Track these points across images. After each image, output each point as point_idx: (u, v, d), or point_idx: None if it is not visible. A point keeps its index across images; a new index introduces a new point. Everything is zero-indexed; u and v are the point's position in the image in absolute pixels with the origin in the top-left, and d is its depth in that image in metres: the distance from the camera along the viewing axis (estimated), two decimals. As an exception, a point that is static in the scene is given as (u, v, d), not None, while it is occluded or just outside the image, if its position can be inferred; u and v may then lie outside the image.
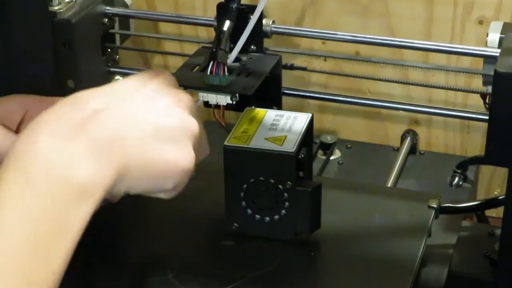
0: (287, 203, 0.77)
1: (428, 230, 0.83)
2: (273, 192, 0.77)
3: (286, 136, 0.77)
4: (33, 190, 0.57)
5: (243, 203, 0.78)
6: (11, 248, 0.55)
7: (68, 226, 0.58)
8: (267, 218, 0.78)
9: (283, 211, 0.78)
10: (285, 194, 0.77)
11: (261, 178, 0.77)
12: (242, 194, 0.78)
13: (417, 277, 0.81)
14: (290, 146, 0.76)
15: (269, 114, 0.81)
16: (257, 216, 0.79)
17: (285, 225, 0.78)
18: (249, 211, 0.78)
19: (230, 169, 0.78)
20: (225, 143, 0.77)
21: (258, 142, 0.77)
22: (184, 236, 0.82)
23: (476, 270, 0.97)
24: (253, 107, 0.82)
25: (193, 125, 0.66)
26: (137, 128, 0.63)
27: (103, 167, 0.60)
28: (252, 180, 0.77)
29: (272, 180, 0.77)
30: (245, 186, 0.77)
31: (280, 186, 0.77)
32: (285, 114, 0.81)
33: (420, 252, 0.80)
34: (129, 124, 0.63)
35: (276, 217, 0.78)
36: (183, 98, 0.67)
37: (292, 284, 0.76)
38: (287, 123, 0.79)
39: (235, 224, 0.79)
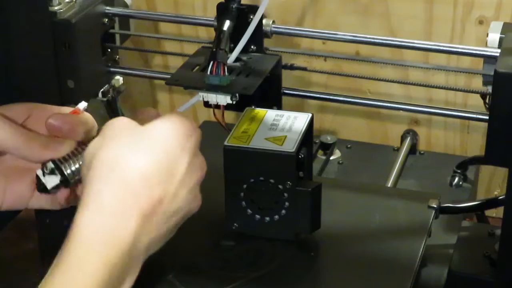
0: (287, 203, 0.77)
1: (428, 230, 0.83)
2: (273, 192, 0.77)
3: (286, 136, 0.77)
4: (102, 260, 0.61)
5: (243, 203, 0.78)
6: None
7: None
8: (267, 218, 0.78)
9: (283, 211, 0.78)
10: (285, 194, 0.77)
11: (261, 178, 0.77)
12: (242, 194, 0.78)
13: (417, 277, 0.81)
14: (290, 146, 0.76)
15: (269, 114, 0.81)
16: (257, 216, 0.79)
17: (285, 225, 0.78)
18: (249, 211, 0.78)
19: (230, 169, 0.78)
20: (225, 143, 0.77)
21: (258, 142, 0.77)
22: (184, 236, 0.82)
23: (476, 270, 0.97)
24: (253, 107, 0.82)
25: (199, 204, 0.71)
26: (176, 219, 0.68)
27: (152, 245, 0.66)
28: (252, 180, 0.77)
29: (272, 180, 0.77)
30: (245, 186, 0.77)
31: (280, 186, 0.77)
32: (285, 114, 0.81)
33: (420, 252, 0.80)
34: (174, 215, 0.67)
35: (276, 217, 0.78)
36: (204, 171, 0.70)
37: (292, 284, 0.76)
38: (287, 123, 0.79)
39: (235, 224, 0.79)
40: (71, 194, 0.71)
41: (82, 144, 0.70)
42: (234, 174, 0.78)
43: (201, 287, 0.76)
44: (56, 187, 0.69)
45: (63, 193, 0.70)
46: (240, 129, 0.79)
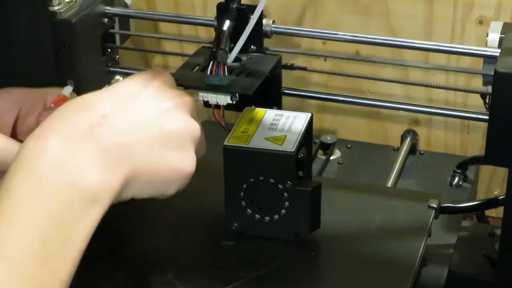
0: (287, 203, 0.77)
1: (428, 230, 0.83)
2: (273, 192, 0.77)
3: (285, 136, 0.77)
4: (42, 196, 0.57)
5: (243, 203, 0.78)
6: (18, 254, 0.55)
7: (76, 233, 0.58)
8: (267, 218, 0.78)
9: (283, 211, 0.78)
10: (285, 194, 0.77)
11: (261, 178, 0.77)
12: (242, 194, 0.78)
13: (417, 277, 0.81)
14: (290, 146, 0.76)
15: (269, 114, 0.81)
16: (257, 216, 0.79)
17: (285, 225, 0.78)
18: (249, 211, 0.78)
19: (230, 169, 0.78)
20: (225, 143, 0.77)
21: (258, 142, 0.77)
22: (184, 236, 0.82)
23: (476, 270, 0.97)
24: (252, 107, 0.82)
25: (195, 129, 0.67)
26: (143, 134, 0.63)
27: (111, 174, 0.60)
28: (252, 180, 0.77)
29: (272, 180, 0.77)
30: (245, 186, 0.77)
31: (280, 186, 0.77)
32: (285, 114, 0.81)
33: (420, 252, 0.80)
34: (136, 130, 0.63)
35: (276, 217, 0.78)
36: (185, 100, 0.67)
37: (292, 284, 0.76)
38: (287, 122, 0.79)
39: (235, 224, 0.79)
40: None
41: None
42: (234, 174, 0.78)
43: (201, 287, 0.76)
44: None
45: None
46: (239, 129, 0.79)
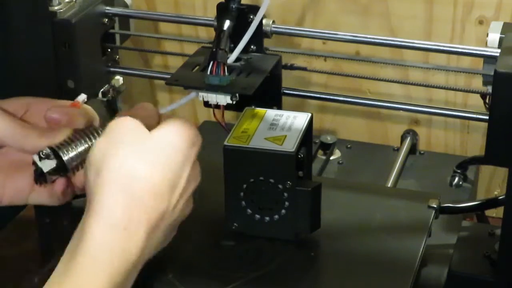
0: (287, 203, 0.77)
1: (428, 230, 0.83)
2: (273, 192, 0.77)
3: (285, 136, 0.77)
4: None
5: (243, 203, 0.78)
6: None
7: None
8: (267, 218, 0.78)
9: (283, 211, 0.78)
10: (285, 194, 0.77)
11: (261, 178, 0.77)
12: (242, 194, 0.78)
13: (417, 277, 0.81)
14: (289, 145, 0.76)
15: (269, 114, 0.81)
16: (257, 216, 0.79)
17: (285, 225, 0.78)
18: (249, 211, 0.78)
19: (230, 169, 0.78)
20: (225, 143, 0.77)
21: (258, 142, 0.77)
22: (184, 236, 0.82)
23: (476, 270, 0.97)
24: (252, 107, 0.82)
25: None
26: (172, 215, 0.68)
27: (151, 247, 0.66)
28: (252, 180, 0.77)
29: (272, 180, 0.77)
30: (245, 186, 0.77)
31: (280, 186, 0.77)
32: (285, 113, 0.81)
33: (420, 252, 0.80)
34: (171, 217, 0.67)
35: (276, 217, 0.78)
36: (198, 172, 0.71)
37: (292, 284, 0.76)
38: (287, 122, 0.79)
39: (235, 224, 0.79)
40: (68, 186, 0.71)
41: (80, 131, 0.70)
42: (234, 174, 0.78)
43: (201, 287, 0.76)
44: (53, 173, 0.69)
45: (60, 184, 0.70)
46: (239, 129, 0.79)
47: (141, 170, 0.64)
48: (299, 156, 0.76)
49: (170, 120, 0.69)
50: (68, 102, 0.74)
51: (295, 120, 0.79)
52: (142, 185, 0.63)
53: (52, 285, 0.60)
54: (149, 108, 0.73)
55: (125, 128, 0.66)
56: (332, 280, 0.78)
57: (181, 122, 0.68)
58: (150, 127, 0.68)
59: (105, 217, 0.62)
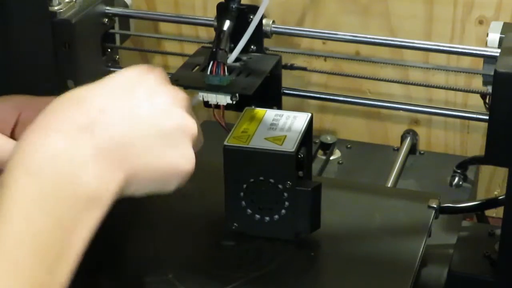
0: (287, 203, 0.77)
1: (428, 230, 0.83)
2: (273, 192, 0.77)
3: (285, 136, 0.77)
4: (41, 193, 0.55)
5: (243, 203, 0.78)
6: (15, 256, 0.53)
7: (75, 234, 0.56)
8: (267, 218, 0.78)
9: (283, 211, 0.78)
10: (285, 194, 0.77)
11: (261, 178, 0.77)
12: (242, 194, 0.78)
13: (417, 277, 0.81)
14: (289, 146, 0.76)
15: (269, 114, 0.81)
16: (257, 216, 0.79)
17: (285, 225, 0.78)
18: (249, 211, 0.78)
19: (230, 169, 0.78)
20: (225, 143, 0.77)
21: (258, 142, 0.77)
22: (184, 236, 0.82)
23: (476, 270, 0.97)
24: (252, 107, 0.82)
25: (191, 125, 0.66)
26: (140, 132, 0.62)
27: (111, 173, 0.59)
28: (252, 180, 0.77)
29: (272, 180, 0.77)
30: (245, 186, 0.77)
31: (280, 186, 0.77)
32: (285, 113, 0.81)
33: (420, 252, 0.80)
34: (133, 126, 0.62)
35: (276, 217, 0.78)
36: (180, 96, 0.67)
37: (292, 284, 0.76)
38: (287, 122, 0.79)
39: (235, 224, 0.79)
40: None
41: None
42: (234, 174, 0.78)
43: (201, 287, 0.76)
44: None
45: None
46: (239, 129, 0.79)
47: (78, 89, 0.63)
48: (299, 156, 0.76)
49: None
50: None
51: (295, 120, 0.79)
52: (71, 95, 0.62)
53: None
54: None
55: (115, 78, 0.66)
56: (332, 280, 0.78)
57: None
58: None
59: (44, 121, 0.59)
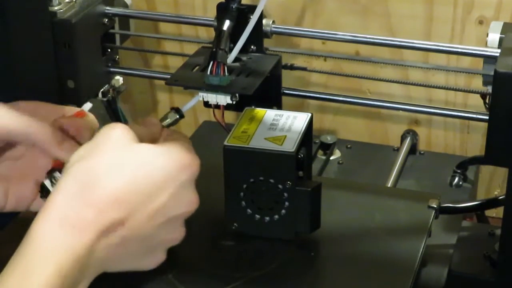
0: (287, 203, 0.77)
1: (428, 230, 0.83)
2: (273, 192, 0.77)
3: (285, 136, 0.77)
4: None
5: (243, 203, 0.78)
6: None
7: None
8: (267, 218, 0.78)
9: (283, 211, 0.78)
10: (285, 194, 0.77)
11: (261, 178, 0.77)
12: (242, 194, 0.78)
13: (417, 277, 0.81)
14: (290, 145, 0.76)
15: (269, 114, 0.81)
16: (257, 216, 0.79)
17: (285, 225, 0.78)
18: (249, 211, 0.78)
19: (230, 169, 0.77)
20: (225, 143, 0.77)
21: (258, 142, 0.77)
22: (184, 236, 0.82)
23: (476, 270, 0.97)
24: (252, 107, 0.82)
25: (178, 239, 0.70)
26: (146, 244, 0.67)
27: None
28: (252, 180, 0.77)
29: (272, 180, 0.77)
30: (245, 186, 0.77)
31: (280, 186, 0.77)
32: (285, 114, 0.81)
33: (420, 252, 0.80)
34: (143, 241, 0.66)
35: (276, 217, 0.78)
36: (194, 201, 0.69)
37: (292, 284, 0.76)
38: (287, 122, 0.79)
39: (235, 224, 0.79)
40: None
41: None
42: (234, 174, 0.78)
43: (201, 287, 0.76)
44: None
45: None
46: (239, 129, 0.79)
47: (108, 178, 0.63)
48: (299, 156, 0.76)
49: (168, 141, 0.69)
50: (73, 109, 0.74)
51: (295, 120, 0.79)
52: (101, 189, 0.63)
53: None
54: (152, 123, 0.72)
55: (110, 135, 0.66)
56: (332, 280, 0.78)
57: (177, 144, 0.68)
58: (151, 141, 0.68)
59: (52, 213, 0.62)
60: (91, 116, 0.73)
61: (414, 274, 0.77)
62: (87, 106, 0.75)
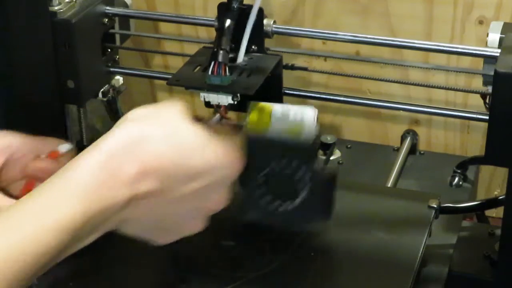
0: (303, 190, 0.78)
1: (428, 230, 0.83)
2: (290, 180, 0.77)
3: (301, 125, 0.77)
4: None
5: (259, 193, 0.78)
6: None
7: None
8: (283, 207, 0.79)
9: (299, 199, 0.78)
10: (302, 181, 0.77)
11: (278, 167, 0.77)
12: (258, 184, 0.78)
13: (417, 277, 0.81)
14: (309, 134, 0.76)
15: (277, 107, 0.81)
16: (273, 206, 0.79)
17: (301, 213, 0.79)
18: (264, 201, 0.79)
19: (249, 159, 0.78)
20: (245, 134, 0.77)
21: (276, 131, 0.77)
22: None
23: (476, 270, 0.97)
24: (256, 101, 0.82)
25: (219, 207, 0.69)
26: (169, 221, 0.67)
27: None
28: (269, 169, 0.77)
29: (288, 169, 0.77)
30: (262, 176, 0.78)
31: (298, 173, 0.77)
32: (291, 107, 0.81)
33: (420, 252, 0.80)
34: (167, 215, 0.66)
35: (292, 205, 0.78)
36: (222, 201, 0.69)
37: (292, 284, 0.76)
38: (297, 113, 0.79)
39: (250, 216, 0.80)
40: None
41: None
42: (252, 164, 0.78)
43: (201, 287, 0.76)
44: None
45: None
46: (253, 120, 0.79)
47: (155, 141, 0.63)
48: (317, 143, 0.77)
49: (222, 133, 0.69)
50: (55, 142, 0.74)
51: (304, 111, 0.80)
52: (149, 153, 0.63)
53: (22, 200, 0.60)
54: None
55: (171, 108, 0.66)
56: (332, 280, 0.78)
57: (229, 139, 0.68)
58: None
59: (100, 153, 0.62)
60: (67, 158, 0.72)
61: (414, 274, 0.77)
62: (65, 147, 0.73)
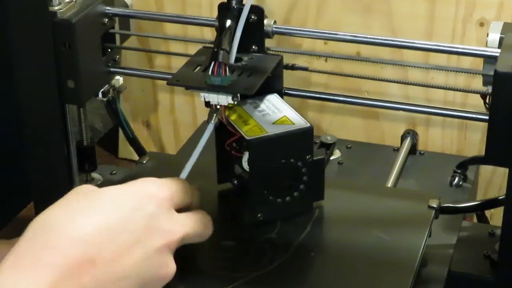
0: (305, 177, 0.79)
1: (428, 230, 0.83)
2: (293, 171, 0.79)
3: (285, 115, 0.79)
4: None
5: (266, 191, 0.79)
6: None
7: None
8: (288, 198, 0.80)
9: (302, 186, 0.79)
10: (304, 169, 0.79)
11: (283, 161, 0.78)
12: (265, 182, 0.79)
13: (417, 277, 0.81)
14: (301, 121, 0.78)
15: (248, 106, 0.82)
16: (279, 200, 0.80)
17: (304, 199, 0.80)
18: (271, 197, 0.80)
19: (256, 161, 0.78)
20: (247, 138, 0.78)
21: (272, 128, 0.79)
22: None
23: (476, 270, 0.97)
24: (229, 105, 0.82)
25: (170, 272, 0.67)
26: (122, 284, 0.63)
27: None
28: (274, 165, 0.78)
29: (292, 159, 0.78)
30: (267, 173, 0.78)
31: (300, 163, 0.79)
32: (256, 100, 0.83)
33: (420, 252, 0.80)
34: (116, 280, 0.62)
35: (296, 194, 0.80)
36: (174, 234, 0.67)
37: (292, 284, 0.76)
38: (269, 106, 0.81)
39: (259, 215, 0.80)
40: None
41: None
42: (258, 165, 0.78)
43: (201, 287, 0.76)
44: None
45: None
46: (243, 126, 0.80)
47: (71, 221, 0.61)
48: (310, 129, 0.80)
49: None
50: None
51: (272, 100, 0.81)
52: (60, 231, 0.61)
53: None
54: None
55: (77, 191, 0.65)
56: (332, 280, 0.78)
57: (146, 179, 0.67)
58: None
59: (10, 258, 0.60)
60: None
61: (414, 274, 0.77)
62: None
